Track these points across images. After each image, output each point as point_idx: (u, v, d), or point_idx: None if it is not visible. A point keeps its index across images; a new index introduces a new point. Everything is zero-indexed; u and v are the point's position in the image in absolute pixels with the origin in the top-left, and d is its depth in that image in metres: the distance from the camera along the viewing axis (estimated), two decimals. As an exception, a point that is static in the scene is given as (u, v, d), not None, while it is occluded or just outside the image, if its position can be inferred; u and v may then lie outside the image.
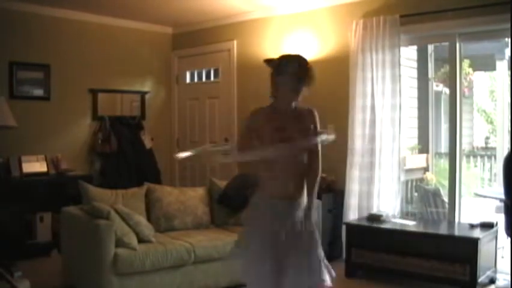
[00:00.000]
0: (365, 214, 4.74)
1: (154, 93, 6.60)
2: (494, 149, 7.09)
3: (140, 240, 3.90)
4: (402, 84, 4.77)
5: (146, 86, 6.54)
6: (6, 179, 5.10)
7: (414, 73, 7.05)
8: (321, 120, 2.90)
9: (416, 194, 6.45)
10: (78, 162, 5.77)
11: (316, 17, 5.33)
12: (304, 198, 2.78)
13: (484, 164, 7.11)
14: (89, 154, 5.94)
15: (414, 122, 7.01)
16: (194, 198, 4.71)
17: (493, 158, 6.90)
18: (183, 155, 3.06)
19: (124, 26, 6.24)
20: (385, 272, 4.32)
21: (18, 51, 5.41)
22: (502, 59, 6.26)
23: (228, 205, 4.80)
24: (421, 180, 6.55)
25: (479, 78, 7.72)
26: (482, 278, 3.97)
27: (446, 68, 6.18)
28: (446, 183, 4.99)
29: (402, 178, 5.12)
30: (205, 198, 4.79)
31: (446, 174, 4.88)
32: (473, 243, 3.90)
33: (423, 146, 6.93)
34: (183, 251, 3.93)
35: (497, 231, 4.26)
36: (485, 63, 6.98)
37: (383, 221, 4.52)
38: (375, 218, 4.55)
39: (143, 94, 6.47)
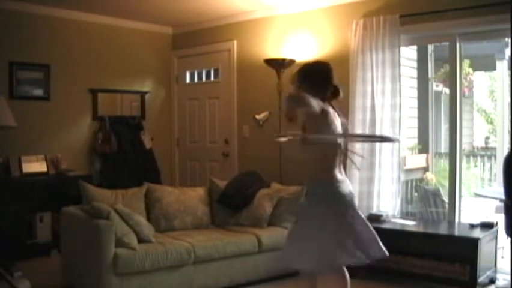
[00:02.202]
0: (365, 214, 4.72)
1: (154, 93, 6.60)
2: (494, 149, 7.09)
3: (140, 240, 3.90)
4: (402, 84, 4.77)
5: (146, 86, 6.53)
6: (6, 179, 5.09)
7: (414, 73, 7.05)
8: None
9: (416, 194, 6.45)
10: (78, 162, 5.77)
11: (316, 17, 5.33)
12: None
13: (484, 164, 7.11)
14: (89, 154, 5.94)
15: (414, 122, 7.01)
16: (194, 198, 4.72)
17: (493, 158, 6.91)
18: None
19: (124, 26, 6.24)
20: (385, 272, 4.32)
21: (18, 51, 5.41)
22: (502, 59, 6.26)
23: (228, 204, 4.83)
24: (421, 180, 6.55)
25: (479, 78, 7.72)
26: (482, 278, 3.97)
27: (446, 68, 6.19)
28: (446, 183, 4.99)
29: (402, 178, 5.13)
30: (205, 198, 4.80)
31: (446, 174, 4.89)
32: (473, 243, 3.90)
33: (423, 146, 6.94)
34: (183, 251, 3.93)
35: (497, 231, 4.26)
36: (485, 63, 6.99)
37: (383, 221, 4.52)
38: (375, 218, 4.55)
39: (143, 94, 6.47)
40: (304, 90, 3.00)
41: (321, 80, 3.12)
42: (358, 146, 4.84)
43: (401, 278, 4.27)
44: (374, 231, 3.13)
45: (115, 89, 6.23)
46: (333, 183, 3.05)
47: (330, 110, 3.08)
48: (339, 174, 3.11)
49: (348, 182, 3.20)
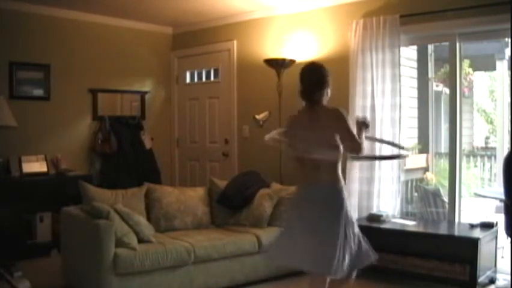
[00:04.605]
0: (365, 214, 4.74)
1: (154, 93, 6.60)
2: (494, 149, 7.09)
3: (140, 240, 3.90)
4: (402, 84, 4.77)
5: (146, 86, 6.53)
6: (6, 179, 5.10)
7: (414, 73, 7.05)
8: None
9: (416, 194, 6.45)
10: (78, 162, 5.77)
11: (316, 17, 5.34)
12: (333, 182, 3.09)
13: (484, 164, 7.11)
14: (89, 154, 5.94)
15: (414, 122, 7.02)
16: (194, 198, 4.71)
17: (493, 158, 6.91)
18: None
19: (124, 26, 6.24)
20: (385, 272, 4.31)
21: (18, 51, 5.41)
22: (502, 59, 6.27)
23: (228, 204, 4.83)
24: (421, 180, 6.55)
25: (479, 78, 7.72)
26: (482, 278, 3.97)
27: (446, 68, 6.19)
28: (446, 183, 4.99)
29: (402, 178, 5.12)
30: (205, 198, 4.80)
31: (446, 174, 4.89)
32: (473, 243, 3.90)
33: (423, 146, 6.94)
34: (183, 251, 3.93)
35: (497, 231, 4.26)
36: (485, 63, 6.99)
37: (383, 221, 4.52)
38: (375, 218, 4.55)
39: (143, 94, 6.47)
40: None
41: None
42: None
43: (401, 278, 4.27)
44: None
45: (115, 89, 6.23)
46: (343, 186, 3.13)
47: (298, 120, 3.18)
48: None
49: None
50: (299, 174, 3.18)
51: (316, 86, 3.11)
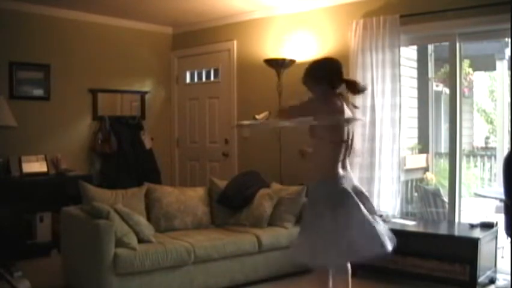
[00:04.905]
0: (365, 214, 4.73)
1: (154, 93, 6.60)
2: (494, 149, 7.10)
3: (140, 240, 3.90)
4: (402, 84, 4.77)
5: (146, 86, 6.53)
6: (6, 179, 5.10)
7: (414, 73, 7.05)
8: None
9: (416, 194, 6.45)
10: (78, 162, 5.77)
11: (316, 17, 5.34)
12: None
13: (484, 164, 7.11)
14: (89, 154, 5.94)
15: (414, 122, 7.02)
16: (194, 198, 4.72)
17: (493, 158, 6.91)
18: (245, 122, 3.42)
19: (124, 26, 6.24)
20: (385, 272, 4.31)
21: (18, 51, 5.41)
22: (502, 59, 6.27)
23: (228, 204, 4.84)
24: (421, 180, 6.55)
25: (479, 78, 7.73)
26: (482, 278, 3.97)
27: (446, 68, 6.19)
28: (446, 183, 4.99)
29: (402, 178, 5.13)
30: (205, 198, 4.80)
31: (446, 174, 4.89)
32: (473, 243, 3.90)
33: (423, 146, 6.94)
34: (183, 251, 3.93)
35: (497, 231, 4.26)
36: (485, 63, 6.99)
37: (383, 221, 4.50)
38: (375, 218, 4.55)
39: (143, 94, 6.47)
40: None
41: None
42: (358, 145, 4.85)
43: (401, 278, 4.27)
44: (376, 226, 3.21)
45: (115, 89, 6.23)
46: (337, 180, 3.13)
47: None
48: (342, 170, 3.19)
49: (351, 176, 3.29)
50: (331, 163, 3.16)
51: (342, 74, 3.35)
